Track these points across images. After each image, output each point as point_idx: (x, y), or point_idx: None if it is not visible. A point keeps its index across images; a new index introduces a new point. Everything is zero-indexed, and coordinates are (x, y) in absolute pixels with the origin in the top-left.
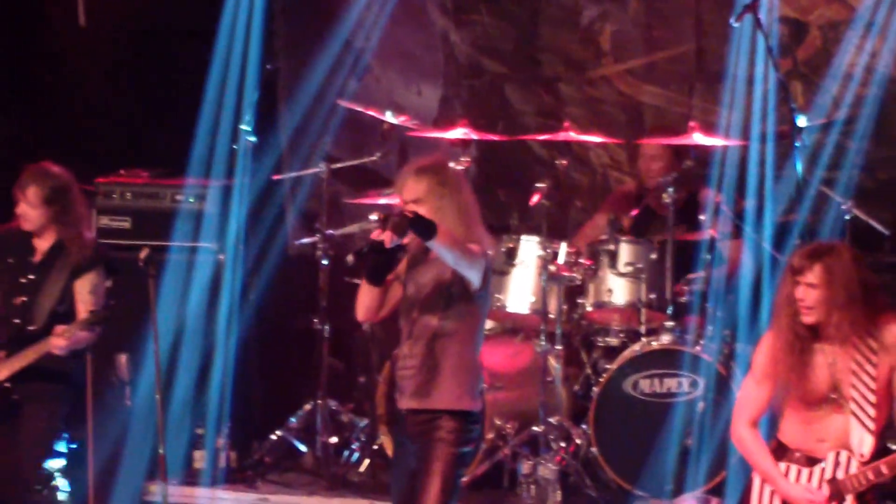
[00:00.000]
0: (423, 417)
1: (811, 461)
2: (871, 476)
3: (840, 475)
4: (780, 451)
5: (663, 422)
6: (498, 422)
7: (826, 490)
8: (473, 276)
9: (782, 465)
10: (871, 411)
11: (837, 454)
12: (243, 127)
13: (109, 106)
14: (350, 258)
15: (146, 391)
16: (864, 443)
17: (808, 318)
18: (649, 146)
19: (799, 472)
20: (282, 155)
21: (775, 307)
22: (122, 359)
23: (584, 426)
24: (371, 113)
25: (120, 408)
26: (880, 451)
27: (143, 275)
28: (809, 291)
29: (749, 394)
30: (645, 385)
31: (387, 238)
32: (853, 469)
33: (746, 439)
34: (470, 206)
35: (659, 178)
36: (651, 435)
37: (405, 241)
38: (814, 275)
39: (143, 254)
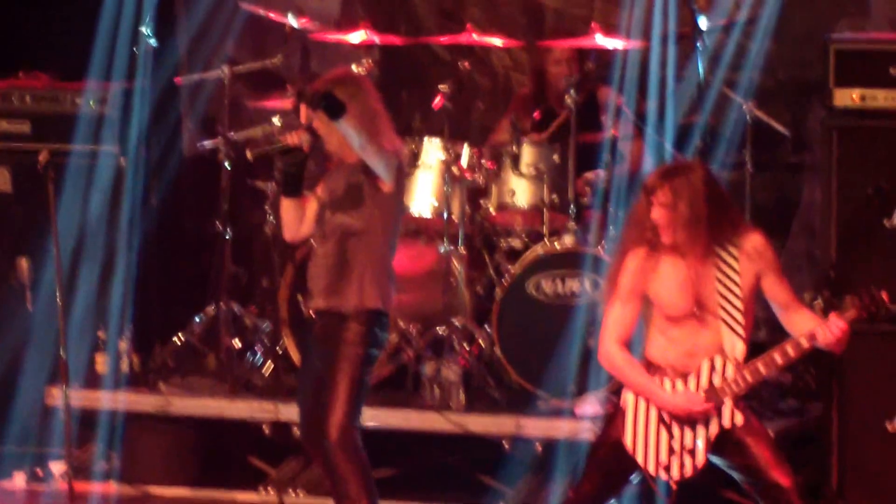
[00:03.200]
0: (330, 319)
1: (684, 375)
2: (748, 377)
3: (716, 380)
4: (651, 370)
5: (566, 323)
6: (401, 324)
7: (703, 396)
8: (382, 171)
9: (655, 380)
10: (740, 318)
11: (712, 360)
12: (143, 30)
13: (6, 8)
14: (249, 154)
15: (47, 295)
16: (736, 348)
17: (665, 238)
18: (556, 53)
19: (674, 385)
20: (182, 58)
21: (629, 226)
22: (23, 263)
23: (487, 328)
24: (272, 15)
25: (21, 312)
26: (750, 356)
27: (43, 178)
28: (660, 211)
29: (615, 315)
30: (547, 286)
31: (302, 114)
32: (729, 373)
33: (616, 356)
34: (379, 112)
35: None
36: (554, 336)
37: (305, 144)
38: (663, 194)
39: (43, 157)
